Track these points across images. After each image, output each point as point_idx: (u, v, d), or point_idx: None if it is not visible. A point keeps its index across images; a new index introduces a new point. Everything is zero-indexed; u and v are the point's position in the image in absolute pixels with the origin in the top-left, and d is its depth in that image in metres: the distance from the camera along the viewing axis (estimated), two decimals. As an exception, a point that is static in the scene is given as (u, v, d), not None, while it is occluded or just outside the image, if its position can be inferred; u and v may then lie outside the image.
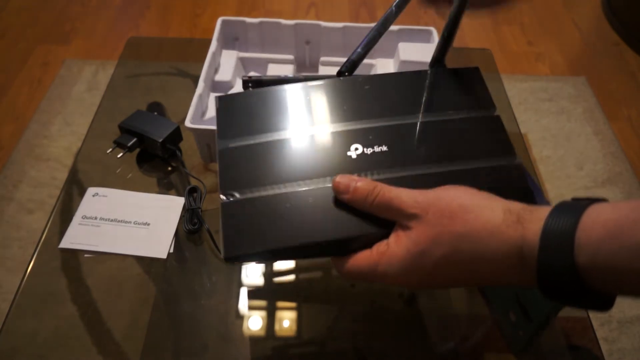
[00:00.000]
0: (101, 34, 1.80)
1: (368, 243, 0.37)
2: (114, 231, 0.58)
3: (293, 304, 0.54)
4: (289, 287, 0.56)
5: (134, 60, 0.82)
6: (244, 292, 0.55)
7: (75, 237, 0.57)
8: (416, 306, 0.56)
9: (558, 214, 0.30)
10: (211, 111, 0.63)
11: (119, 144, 0.64)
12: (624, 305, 1.14)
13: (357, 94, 0.45)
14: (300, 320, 0.53)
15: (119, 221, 0.59)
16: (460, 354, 0.52)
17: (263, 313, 0.53)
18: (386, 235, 0.37)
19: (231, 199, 0.38)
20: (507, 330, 0.53)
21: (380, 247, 0.37)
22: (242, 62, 0.70)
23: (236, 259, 0.37)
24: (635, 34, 1.79)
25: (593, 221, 0.29)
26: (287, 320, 0.53)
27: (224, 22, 0.71)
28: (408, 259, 0.35)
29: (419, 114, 0.43)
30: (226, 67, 0.68)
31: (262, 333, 0.52)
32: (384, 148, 0.41)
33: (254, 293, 0.55)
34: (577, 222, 0.29)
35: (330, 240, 0.37)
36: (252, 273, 0.56)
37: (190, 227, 0.58)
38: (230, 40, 0.72)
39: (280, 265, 0.57)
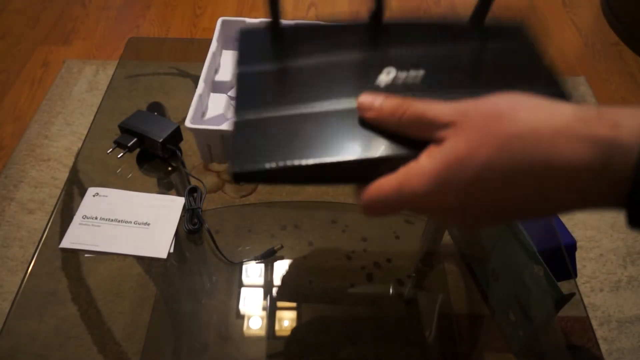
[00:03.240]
0: (101, 34, 1.80)
1: (395, 168, 0.31)
2: (114, 231, 0.58)
3: (293, 304, 0.54)
4: (289, 287, 0.56)
5: (134, 60, 0.82)
6: (244, 292, 0.55)
7: (76, 237, 0.57)
8: (416, 306, 0.56)
9: None
10: (211, 111, 0.63)
11: (119, 144, 0.64)
12: (624, 305, 1.14)
13: (390, 36, 0.40)
14: (300, 320, 0.53)
15: (119, 221, 0.59)
16: (460, 353, 0.52)
17: (263, 313, 0.54)
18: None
19: (244, 118, 0.34)
20: (507, 330, 0.53)
21: (408, 166, 0.29)
22: (242, 62, 0.70)
23: (244, 177, 0.32)
24: (634, 34, 1.79)
25: None
26: (287, 320, 0.53)
27: (224, 22, 0.71)
28: (442, 171, 0.27)
29: (461, 45, 0.39)
30: (226, 67, 0.68)
31: (262, 333, 0.52)
32: (421, 72, 0.35)
33: (254, 293, 0.55)
34: None
35: (350, 160, 0.31)
36: (252, 273, 0.57)
37: (191, 227, 0.58)
38: (230, 41, 0.72)
39: (280, 265, 0.57)
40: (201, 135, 0.60)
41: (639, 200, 0.23)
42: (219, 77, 0.67)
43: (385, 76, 0.35)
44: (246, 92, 0.36)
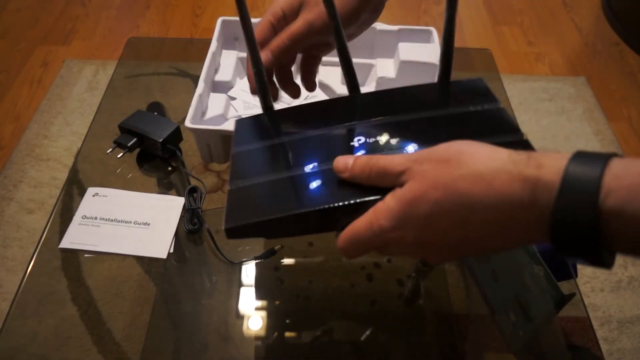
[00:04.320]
0: (101, 34, 1.80)
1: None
2: (114, 231, 0.58)
3: (293, 304, 0.54)
4: (289, 287, 0.56)
5: (134, 60, 0.82)
6: (244, 292, 0.55)
7: (76, 237, 0.57)
8: (416, 306, 0.56)
9: (581, 157, 0.28)
10: (211, 111, 0.63)
11: (119, 144, 0.64)
12: (624, 306, 1.14)
13: (362, 108, 0.46)
14: (300, 320, 0.53)
15: (119, 221, 0.59)
16: (461, 354, 0.52)
17: (263, 313, 0.53)
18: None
19: (237, 186, 0.39)
20: (507, 330, 0.53)
21: (376, 206, 0.34)
22: (242, 62, 0.70)
23: (236, 231, 0.37)
24: (635, 35, 1.79)
25: (626, 167, 0.26)
26: (287, 320, 0.53)
27: (224, 22, 0.71)
28: (402, 207, 0.32)
29: (426, 112, 0.44)
30: (226, 67, 0.68)
31: (262, 333, 0.52)
32: (387, 137, 0.41)
33: (253, 293, 0.55)
34: (605, 166, 0.26)
35: (328, 207, 0.36)
36: (252, 273, 0.56)
37: (190, 227, 0.58)
38: (230, 40, 0.72)
39: (279, 265, 0.57)
40: (201, 135, 0.60)
41: (559, 230, 0.27)
42: (219, 77, 0.67)
43: (356, 143, 0.41)
44: (239, 166, 0.42)
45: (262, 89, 0.47)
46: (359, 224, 0.35)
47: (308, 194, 0.37)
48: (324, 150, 0.41)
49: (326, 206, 0.36)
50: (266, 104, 0.48)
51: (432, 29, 0.71)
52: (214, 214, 0.62)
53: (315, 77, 0.54)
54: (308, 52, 0.53)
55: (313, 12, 0.49)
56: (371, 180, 0.35)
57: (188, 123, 0.57)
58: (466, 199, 0.30)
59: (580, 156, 0.28)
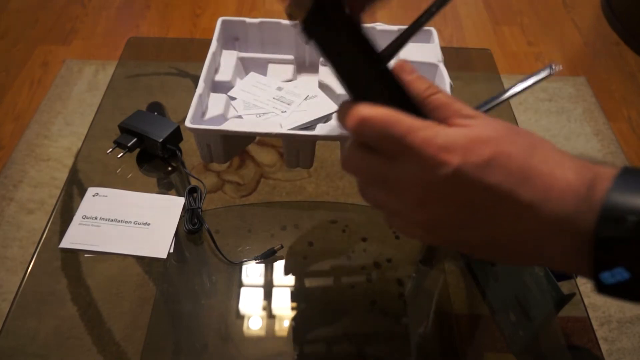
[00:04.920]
0: (101, 34, 1.80)
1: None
2: (114, 231, 0.58)
3: (293, 304, 0.54)
4: (289, 287, 0.56)
5: (134, 60, 0.82)
6: (244, 292, 0.55)
7: (76, 237, 0.57)
8: (416, 306, 0.56)
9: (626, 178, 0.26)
10: (211, 111, 0.63)
11: (119, 144, 0.64)
12: (624, 305, 1.14)
13: None
14: (300, 321, 0.53)
15: (119, 221, 0.59)
16: (461, 354, 0.52)
17: (263, 313, 0.53)
18: None
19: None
20: (507, 330, 0.53)
21: (430, 125, 0.28)
22: (242, 62, 0.70)
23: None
24: (635, 34, 1.79)
25: None
26: (287, 320, 0.53)
27: (224, 22, 0.71)
28: (460, 141, 0.27)
29: None
30: (226, 67, 0.68)
31: (262, 333, 0.52)
32: None
33: (254, 293, 0.55)
34: None
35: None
36: (252, 273, 0.57)
37: (190, 227, 0.58)
38: (230, 41, 0.72)
39: (280, 265, 0.57)
40: (201, 135, 0.60)
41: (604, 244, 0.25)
42: (219, 77, 0.67)
43: None
44: None
45: None
46: (402, 116, 0.28)
47: None
48: None
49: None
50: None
51: (432, 29, 0.71)
52: (214, 214, 0.62)
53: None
54: None
55: None
56: (424, 100, 0.30)
57: (188, 123, 0.57)
58: (526, 187, 0.26)
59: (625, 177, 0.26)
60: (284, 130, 0.59)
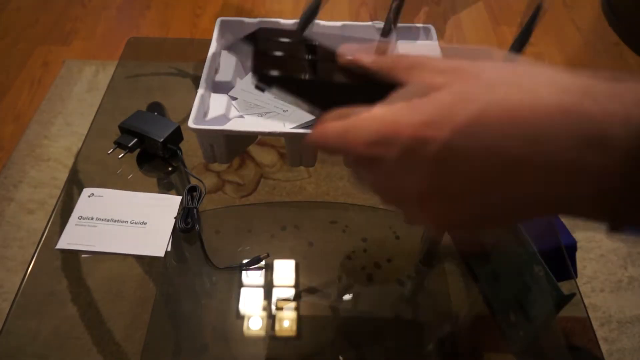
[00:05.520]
0: (101, 34, 1.80)
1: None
2: (111, 231, 0.58)
3: (293, 304, 0.54)
4: (289, 287, 0.56)
5: (134, 60, 0.82)
6: (243, 292, 0.55)
7: (72, 238, 0.57)
8: (416, 306, 0.56)
9: None
10: (213, 111, 0.63)
11: (119, 145, 0.64)
12: (624, 306, 1.14)
13: None
14: (300, 320, 0.53)
15: (115, 221, 0.59)
16: (461, 354, 0.52)
17: (263, 313, 0.53)
18: None
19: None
20: (507, 330, 0.53)
21: (396, 94, 0.27)
22: (242, 62, 0.70)
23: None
24: (635, 34, 1.79)
25: None
26: (287, 320, 0.53)
27: (222, 22, 0.71)
28: (437, 110, 0.24)
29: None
30: (226, 67, 0.68)
31: (262, 333, 0.52)
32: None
33: (254, 293, 0.55)
34: None
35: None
36: (252, 273, 0.56)
37: (183, 226, 0.57)
38: (229, 41, 0.72)
39: (280, 265, 0.57)
40: (204, 135, 0.60)
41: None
42: (219, 78, 0.67)
43: None
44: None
45: None
46: (364, 110, 0.26)
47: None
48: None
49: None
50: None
51: (431, 26, 0.71)
52: (214, 214, 0.62)
53: None
54: None
55: None
56: (392, 67, 0.28)
57: (191, 123, 0.57)
58: (531, 129, 0.22)
59: None
60: (288, 129, 0.59)
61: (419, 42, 0.70)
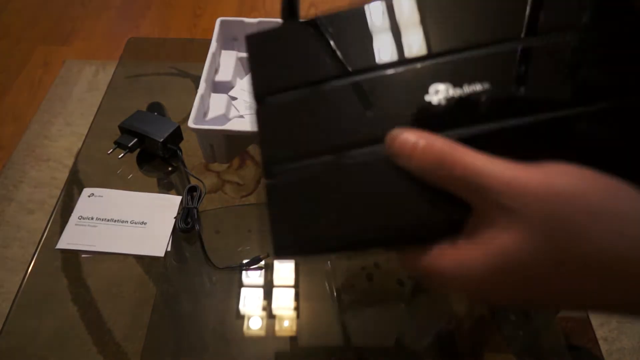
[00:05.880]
0: (101, 34, 1.80)
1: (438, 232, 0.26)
2: (111, 231, 0.58)
3: (293, 304, 0.54)
4: (289, 287, 0.56)
5: (134, 60, 0.82)
6: (244, 292, 0.55)
7: (72, 238, 0.57)
8: (416, 306, 0.56)
9: None
10: (213, 111, 0.63)
11: (119, 145, 0.64)
12: (624, 306, 1.14)
13: (430, 14, 0.30)
14: (300, 320, 0.53)
15: (115, 221, 0.59)
16: (460, 353, 0.52)
17: (263, 313, 0.53)
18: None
19: (276, 179, 0.29)
20: (507, 330, 0.53)
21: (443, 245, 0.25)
22: (242, 62, 0.70)
23: (288, 251, 0.28)
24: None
25: None
26: (287, 320, 0.53)
27: (222, 22, 0.71)
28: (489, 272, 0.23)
29: (532, 35, 0.28)
30: (226, 67, 0.68)
31: (262, 333, 0.52)
32: (483, 86, 0.27)
33: (254, 293, 0.55)
34: None
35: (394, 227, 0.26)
36: (252, 273, 0.57)
37: (183, 226, 0.57)
38: (229, 41, 0.72)
39: (280, 265, 0.57)
40: (204, 135, 0.60)
41: None
42: (219, 78, 0.67)
43: (434, 95, 0.27)
44: (270, 137, 0.30)
45: None
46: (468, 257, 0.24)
47: (369, 205, 0.27)
48: (381, 110, 0.28)
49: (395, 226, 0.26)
50: (291, 10, 0.34)
51: None
52: (214, 214, 0.62)
53: None
54: None
55: None
56: (445, 182, 0.25)
57: (191, 123, 0.57)
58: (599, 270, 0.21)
59: None
60: None
61: None
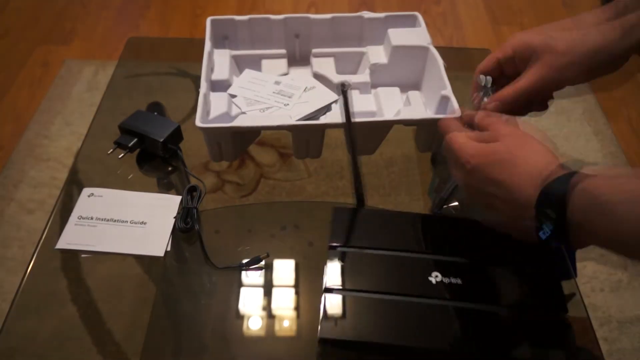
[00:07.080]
0: (101, 34, 1.80)
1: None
2: (111, 230, 0.58)
3: (293, 304, 0.54)
4: (289, 287, 0.56)
5: (134, 60, 0.82)
6: (244, 292, 0.55)
7: (72, 238, 0.57)
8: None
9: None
10: (215, 110, 0.63)
11: (119, 145, 0.64)
12: (624, 306, 1.14)
13: (443, 232, 0.56)
14: (300, 321, 0.53)
15: (115, 221, 0.59)
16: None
17: (263, 313, 0.53)
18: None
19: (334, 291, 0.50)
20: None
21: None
22: (235, 60, 0.70)
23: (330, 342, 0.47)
24: (635, 34, 1.79)
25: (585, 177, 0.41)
26: (287, 320, 0.53)
27: (213, 21, 0.71)
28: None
29: (490, 260, 0.53)
30: (221, 66, 0.68)
31: (262, 333, 0.52)
32: (458, 281, 0.50)
33: (254, 293, 0.55)
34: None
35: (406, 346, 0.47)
36: (252, 273, 0.56)
37: (183, 226, 0.57)
38: (220, 39, 0.72)
39: (280, 265, 0.57)
40: (212, 134, 0.59)
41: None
42: (216, 76, 0.67)
43: (434, 278, 0.50)
44: (336, 269, 0.52)
45: (358, 187, 0.59)
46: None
47: (394, 325, 0.48)
48: (407, 278, 0.50)
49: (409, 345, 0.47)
50: (360, 199, 0.59)
51: (417, 14, 0.72)
52: (214, 214, 0.62)
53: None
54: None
55: (544, 65, 0.51)
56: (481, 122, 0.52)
57: (198, 122, 0.57)
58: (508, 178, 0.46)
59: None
60: (294, 121, 0.60)
61: (408, 29, 0.71)
